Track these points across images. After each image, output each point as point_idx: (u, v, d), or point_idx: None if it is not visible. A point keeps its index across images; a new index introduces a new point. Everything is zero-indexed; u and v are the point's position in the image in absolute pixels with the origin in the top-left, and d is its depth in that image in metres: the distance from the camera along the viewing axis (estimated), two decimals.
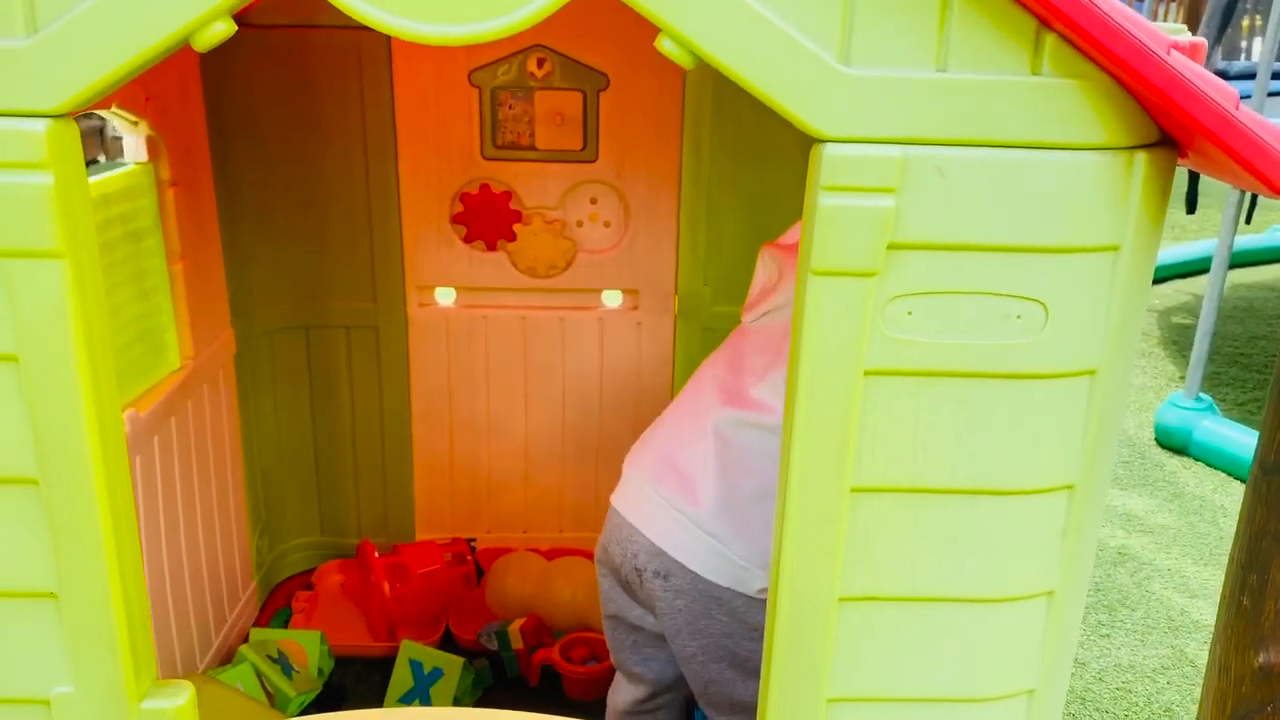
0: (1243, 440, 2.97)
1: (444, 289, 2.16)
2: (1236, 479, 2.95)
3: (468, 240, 2.11)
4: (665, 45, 0.80)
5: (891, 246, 0.84)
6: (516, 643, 1.97)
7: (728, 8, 0.79)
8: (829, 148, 0.82)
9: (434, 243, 2.11)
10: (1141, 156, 0.84)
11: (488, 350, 2.19)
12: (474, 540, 2.23)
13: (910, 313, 0.87)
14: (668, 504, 1.35)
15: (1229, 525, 2.71)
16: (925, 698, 0.98)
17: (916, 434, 0.90)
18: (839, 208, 0.83)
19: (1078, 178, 0.84)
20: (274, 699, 1.80)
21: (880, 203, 0.82)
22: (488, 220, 2.09)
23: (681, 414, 1.43)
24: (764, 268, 1.44)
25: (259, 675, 1.80)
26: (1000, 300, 0.86)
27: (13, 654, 0.91)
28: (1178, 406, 3.14)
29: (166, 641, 1.69)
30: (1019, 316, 0.87)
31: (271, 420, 2.14)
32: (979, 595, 0.95)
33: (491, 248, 2.12)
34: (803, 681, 0.96)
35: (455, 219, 2.10)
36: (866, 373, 0.88)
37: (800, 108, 0.81)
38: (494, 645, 1.98)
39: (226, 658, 1.91)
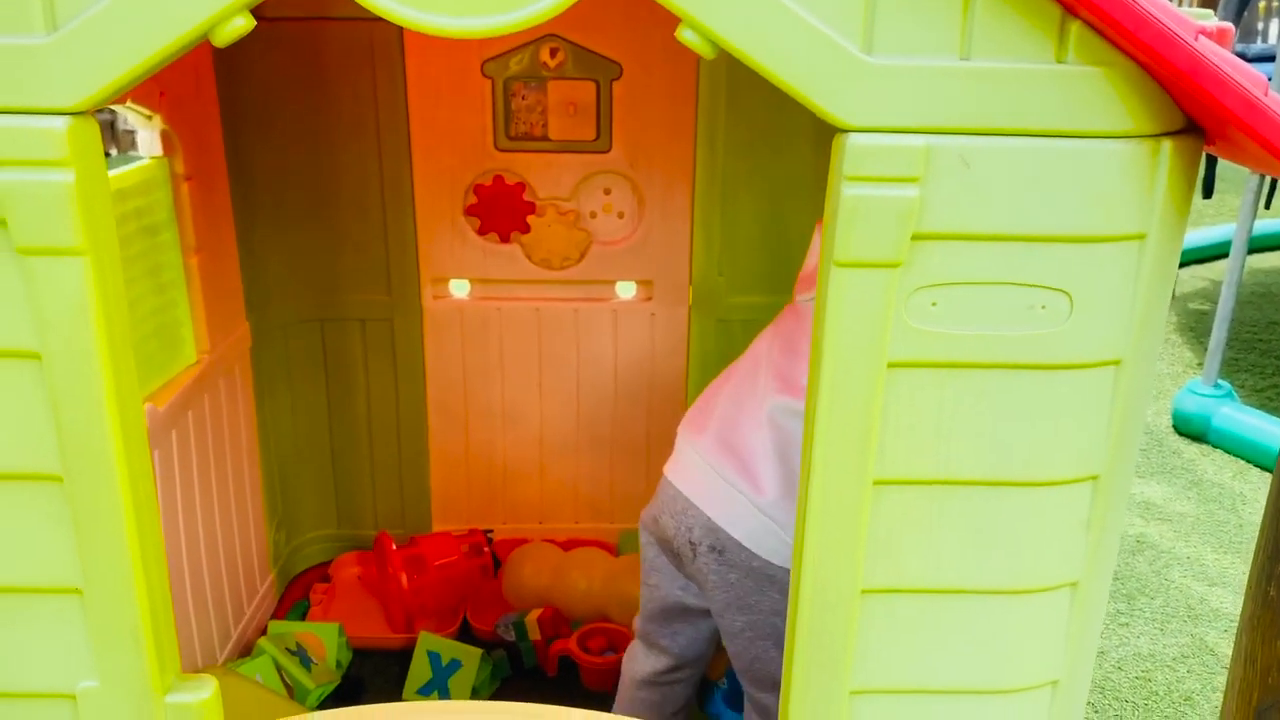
0: (1262, 427, 2.95)
1: (458, 281, 2.16)
2: (1256, 466, 2.93)
3: (481, 232, 2.11)
4: (686, 35, 0.80)
5: (915, 237, 0.83)
6: (534, 633, 1.97)
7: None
8: (852, 137, 0.81)
9: (448, 235, 2.10)
10: (1168, 144, 0.83)
11: (502, 342, 2.19)
12: (490, 531, 2.23)
13: (934, 304, 0.86)
14: (727, 483, 1.36)
15: (1248, 513, 2.69)
16: (948, 689, 0.98)
17: (940, 426, 0.89)
18: (862, 198, 0.82)
19: (1103, 166, 0.83)
20: (293, 691, 1.81)
21: (904, 193, 0.82)
22: (501, 212, 2.09)
23: (737, 394, 1.42)
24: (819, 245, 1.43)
25: (278, 667, 1.81)
26: (1025, 290, 0.86)
27: (39, 649, 0.92)
28: (1196, 393, 3.12)
29: (186, 633, 1.69)
30: (1044, 307, 0.86)
31: (288, 413, 2.14)
32: (1002, 587, 0.94)
33: (505, 239, 2.11)
34: (825, 674, 0.96)
35: (469, 211, 2.09)
36: (890, 364, 0.87)
37: (823, 97, 0.80)
38: (511, 636, 1.98)
39: (245, 650, 1.92)
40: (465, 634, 2.03)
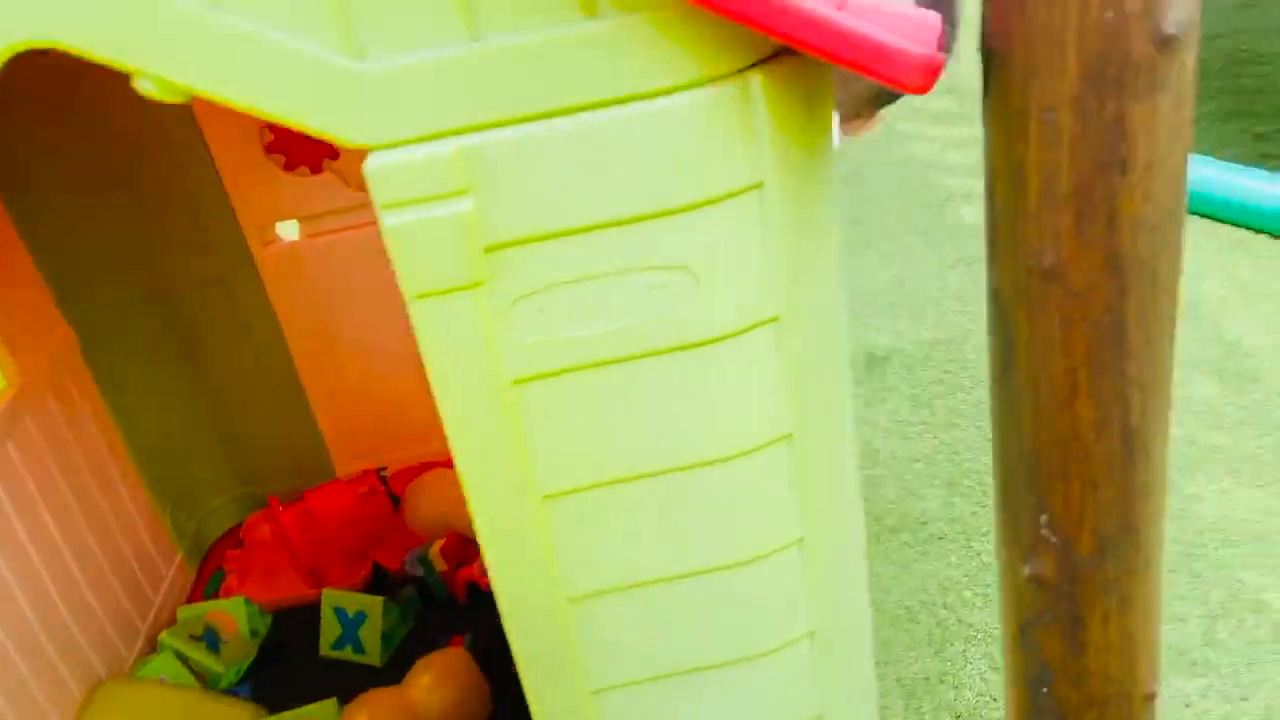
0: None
1: (284, 223, 2.04)
2: None
3: (290, 169, 1.96)
4: (144, 86, 0.67)
5: (490, 249, 0.72)
6: (439, 564, 1.96)
7: (205, 35, 0.64)
8: (373, 160, 0.69)
9: (257, 181, 1.96)
10: (756, 77, 0.70)
11: (349, 273, 2.08)
12: (384, 469, 2.20)
13: (541, 310, 0.75)
14: None
15: None
16: (691, 668, 0.93)
17: (596, 429, 0.81)
18: (410, 225, 0.71)
19: (682, 123, 0.70)
20: (205, 678, 1.83)
21: (456, 208, 0.70)
22: (302, 143, 1.94)
23: None
24: None
25: (184, 659, 1.82)
26: (638, 275, 0.75)
27: None
28: None
29: (77, 653, 1.69)
30: (664, 286, 0.75)
31: (153, 394, 2.07)
32: (715, 565, 0.88)
33: (317, 170, 1.97)
34: (560, 677, 0.91)
35: (269, 149, 1.94)
36: (514, 382, 0.78)
37: (322, 120, 0.68)
38: (419, 571, 1.97)
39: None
40: (378, 576, 2.03)
